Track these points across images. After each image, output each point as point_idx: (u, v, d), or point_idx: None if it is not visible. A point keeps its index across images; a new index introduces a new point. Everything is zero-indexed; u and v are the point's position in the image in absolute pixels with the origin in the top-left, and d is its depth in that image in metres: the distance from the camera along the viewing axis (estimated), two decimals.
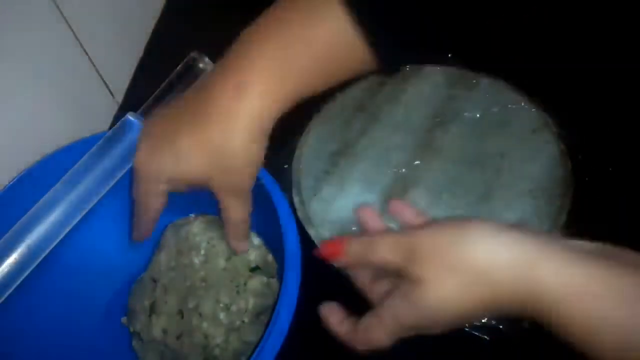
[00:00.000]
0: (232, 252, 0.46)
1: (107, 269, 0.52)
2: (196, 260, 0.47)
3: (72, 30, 0.55)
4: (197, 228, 0.48)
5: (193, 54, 0.47)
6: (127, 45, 0.66)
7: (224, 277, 0.46)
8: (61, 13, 0.53)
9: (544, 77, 0.47)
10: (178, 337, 0.46)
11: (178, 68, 0.47)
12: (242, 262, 0.47)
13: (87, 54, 0.57)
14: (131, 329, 0.50)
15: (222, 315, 0.44)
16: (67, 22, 0.54)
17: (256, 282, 0.46)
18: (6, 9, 0.47)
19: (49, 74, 0.53)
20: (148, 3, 0.70)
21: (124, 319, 0.51)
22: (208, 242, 0.47)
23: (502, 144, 0.53)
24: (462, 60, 0.59)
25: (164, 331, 0.46)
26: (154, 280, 0.49)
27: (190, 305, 0.46)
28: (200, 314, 0.45)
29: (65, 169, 0.44)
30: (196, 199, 0.45)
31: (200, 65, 0.46)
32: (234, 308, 0.45)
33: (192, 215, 0.51)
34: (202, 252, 0.47)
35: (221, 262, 0.46)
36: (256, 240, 0.47)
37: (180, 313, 0.46)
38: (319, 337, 0.46)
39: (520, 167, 0.52)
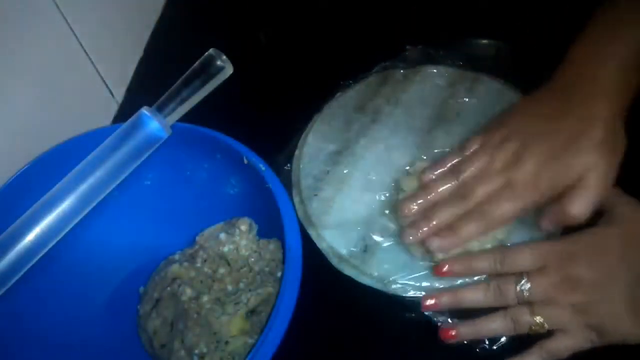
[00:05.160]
0: (225, 298, 0.45)
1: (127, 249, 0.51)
2: (189, 292, 0.46)
3: (72, 30, 0.55)
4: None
5: (211, 51, 0.46)
6: (127, 45, 0.66)
7: (210, 320, 0.44)
8: (61, 13, 0.53)
9: (543, 76, 0.47)
10: (162, 346, 0.46)
11: (195, 65, 0.46)
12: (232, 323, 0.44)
13: (87, 54, 0.57)
14: (139, 308, 0.49)
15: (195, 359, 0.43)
16: (67, 22, 0.54)
17: (238, 343, 0.43)
18: (6, 9, 0.47)
19: (49, 74, 0.53)
20: (148, 3, 0.70)
21: (141, 289, 0.50)
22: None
23: None
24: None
25: (155, 331, 0.46)
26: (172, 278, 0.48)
27: (180, 326, 0.45)
28: (182, 340, 0.44)
29: (72, 162, 0.44)
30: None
31: (218, 62, 0.46)
32: None
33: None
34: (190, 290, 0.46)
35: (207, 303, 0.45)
36: None
37: (172, 326, 0.46)
38: (318, 336, 0.46)
39: None
